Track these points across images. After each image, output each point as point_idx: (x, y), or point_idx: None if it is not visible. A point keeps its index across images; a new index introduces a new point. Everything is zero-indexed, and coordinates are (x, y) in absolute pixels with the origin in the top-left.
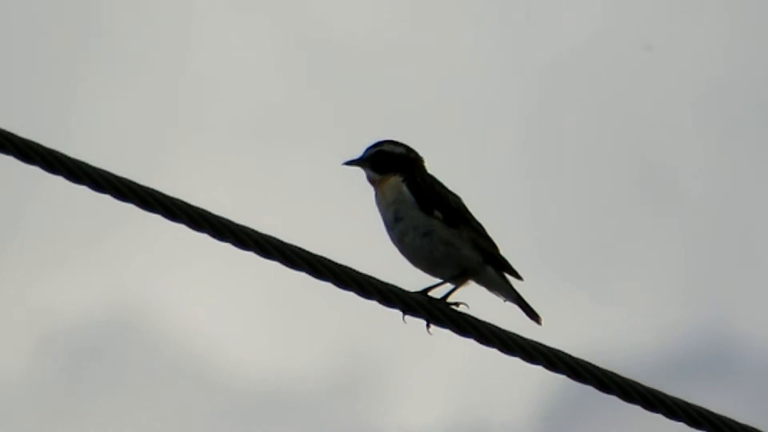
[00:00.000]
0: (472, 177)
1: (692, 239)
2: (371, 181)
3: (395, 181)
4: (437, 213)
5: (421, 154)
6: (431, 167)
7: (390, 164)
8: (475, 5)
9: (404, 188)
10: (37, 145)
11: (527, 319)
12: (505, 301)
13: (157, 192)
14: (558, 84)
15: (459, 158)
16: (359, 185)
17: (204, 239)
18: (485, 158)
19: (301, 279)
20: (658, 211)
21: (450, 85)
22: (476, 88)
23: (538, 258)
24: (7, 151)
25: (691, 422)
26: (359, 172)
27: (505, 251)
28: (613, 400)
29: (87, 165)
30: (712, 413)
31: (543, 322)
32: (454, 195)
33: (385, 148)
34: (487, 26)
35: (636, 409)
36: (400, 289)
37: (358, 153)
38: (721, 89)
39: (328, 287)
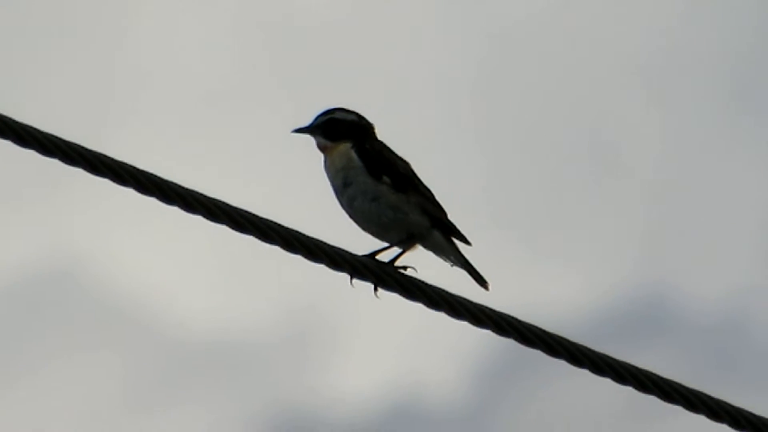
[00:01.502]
0: (421, 143)
1: (634, 203)
2: (321, 148)
3: (345, 147)
4: (386, 178)
5: (371, 121)
6: (382, 134)
7: (341, 132)
8: None
9: (353, 154)
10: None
11: (475, 284)
12: (452, 266)
13: (104, 156)
14: (506, 52)
15: (408, 125)
16: (308, 151)
17: (152, 202)
18: (434, 125)
19: (250, 242)
20: (602, 177)
21: (399, 53)
22: (425, 56)
23: (485, 223)
24: None
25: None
26: (308, 140)
27: (453, 217)
28: (561, 363)
29: (35, 129)
30: (639, 369)
31: (490, 287)
32: (403, 161)
33: (337, 115)
34: (434, 3)
35: (584, 373)
36: (348, 252)
37: (307, 121)
38: (664, 61)
39: (276, 250)
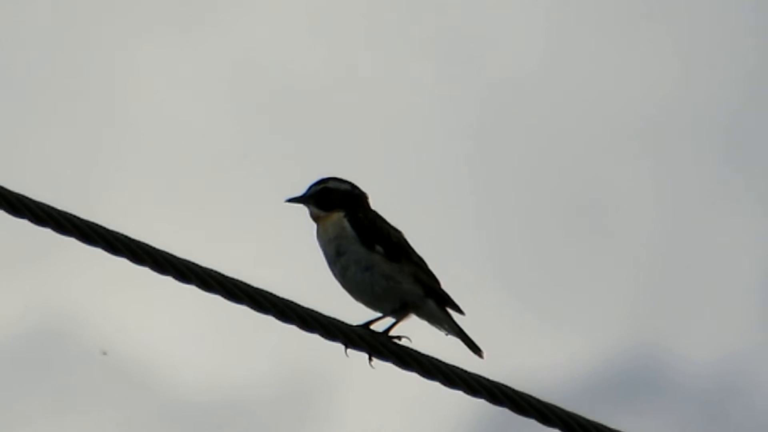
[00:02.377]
0: (414, 212)
1: (629, 266)
2: (314, 217)
3: (337, 216)
4: (378, 248)
5: (365, 190)
6: (375, 201)
7: (334, 201)
8: (416, 36)
9: (346, 223)
10: None
11: (469, 352)
12: (447, 334)
13: (96, 225)
14: (500, 113)
15: (400, 193)
16: (302, 219)
17: (146, 271)
18: (427, 190)
19: (244, 311)
20: (595, 238)
21: (395, 117)
22: (419, 121)
23: (477, 289)
24: None
25: None
26: (302, 209)
27: (446, 286)
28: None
29: (28, 199)
30: None
31: (485, 355)
32: (396, 230)
33: (330, 185)
34: (430, 56)
35: None
36: (342, 322)
37: (301, 190)
38: (659, 122)
39: (270, 319)
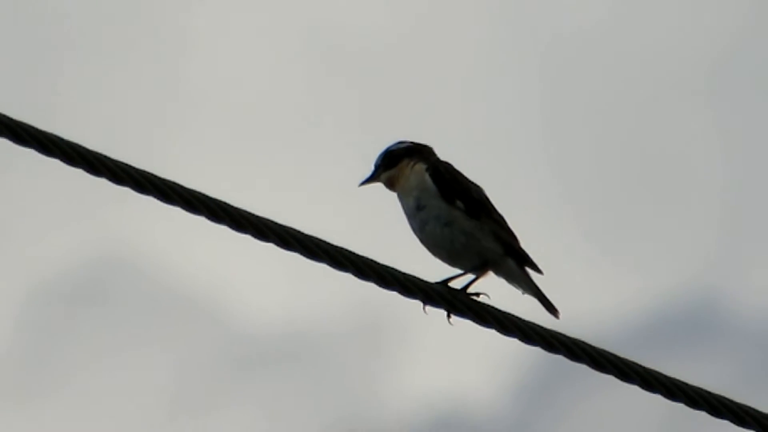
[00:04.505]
0: (479, 167)
1: (695, 215)
2: (390, 183)
3: (419, 167)
4: (459, 203)
5: (429, 144)
6: (448, 157)
7: (400, 157)
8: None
9: (427, 177)
10: (32, 128)
11: (546, 312)
12: (523, 293)
13: (151, 175)
14: (565, 66)
15: (467, 150)
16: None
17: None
18: (496, 147)
19: (322, 274)
20: (663, 191)
21: (459, 75)
22: (486, 75)
23: (559, 249)
24: (4, 134)
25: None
26: (377, 187)
27: (524, 244)
28: (634, 388)
29: (83, 147)
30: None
31: (561, 315)
32: (476, 186)
33: (392, 148)
34: (493, 19)
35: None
36: (421, 279)
37: (368, 171)
38: (726, 67)
39: (348, 276)
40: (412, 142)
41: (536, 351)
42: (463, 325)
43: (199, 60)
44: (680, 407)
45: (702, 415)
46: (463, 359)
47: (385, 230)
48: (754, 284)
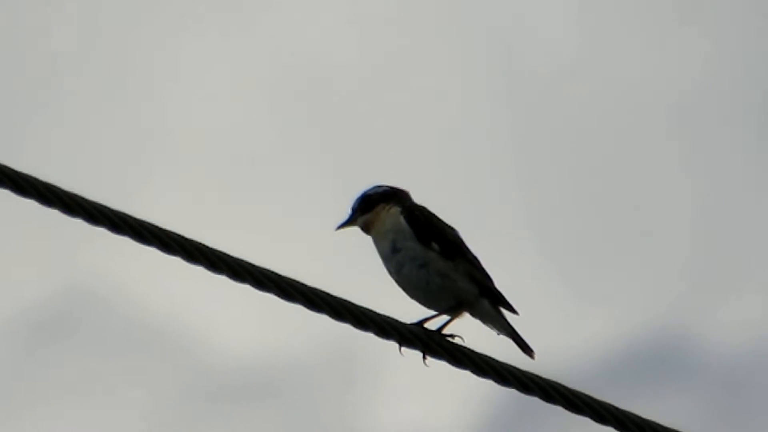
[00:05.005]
0: (454, 210)
1: (662, 252)
2: (366, 227)
3: (394, 210)
4: (435, 245)
5: (404, 188)
6: (419, 199)
7: (376, 202)
8: (450, 27)
9: (402, 219)
10: (7, 168)
11: (520, 352)
12: (498, 334)
13: (128, 216)
14: (533, 105)
15: (442, 194)
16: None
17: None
18: (467, 191)
19: (297, 310)
20: (631, 227)
21: (427, 111)
22: (460, 122)
23: (531, 289)
24: None
25: None
26: (354, 231)
27: (499, 285)
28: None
29: (59, 188)
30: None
31: (536, 356)
32: (451, 227)
33: (369, 192)
34: (465, 50)
35: None
36: (396, 320)
37: (344, 215)
38: (692, 104)
39: (322, 317)
40: (389, 187)
41: (511, 392)
42: (438, 365)
43: (173, 102)
44: None
45: None
46: (437, 397)
47: (361, 272)
48: (723, 320)
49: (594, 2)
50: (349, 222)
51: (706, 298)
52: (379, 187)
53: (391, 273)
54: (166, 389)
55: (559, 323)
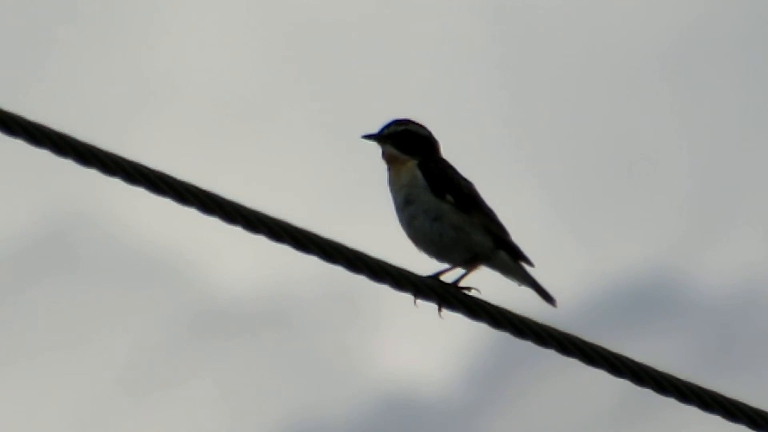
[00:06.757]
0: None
1: (656, 194)
2: (390, 159)
3: (411, 164)
4: (449, 197)
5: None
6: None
7: (412, 145)
8: None
9: (418, 171)
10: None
11: (542, 301)
12: (519, 285)
13: (119, 157)
14: (527, 46)
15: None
16: (370, 167)
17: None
18: (454, 123)
19: (311, 261)
20: (623, 173)
21: (429, 62)
22: (456, 64)
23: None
24: None
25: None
26: (372, 147)
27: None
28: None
29: (49, 128)
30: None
31: (558, 304)
32: (467, 180)
33: (411, 128)
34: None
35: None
36: (412, 273)
37: (372, 128)
38: (689, 45)
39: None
40: (430, 131)
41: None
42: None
43: (169, 44)
44: (648, 392)
45: (670, 401)
46: (412, 343)
47: (376, 224)
48: (714, 261)
49: None
50: (379, 139)
51: (698, 239)
52: (422, 127)
53: (402, 225)
54: (158, 318)
55: (554, 264)
